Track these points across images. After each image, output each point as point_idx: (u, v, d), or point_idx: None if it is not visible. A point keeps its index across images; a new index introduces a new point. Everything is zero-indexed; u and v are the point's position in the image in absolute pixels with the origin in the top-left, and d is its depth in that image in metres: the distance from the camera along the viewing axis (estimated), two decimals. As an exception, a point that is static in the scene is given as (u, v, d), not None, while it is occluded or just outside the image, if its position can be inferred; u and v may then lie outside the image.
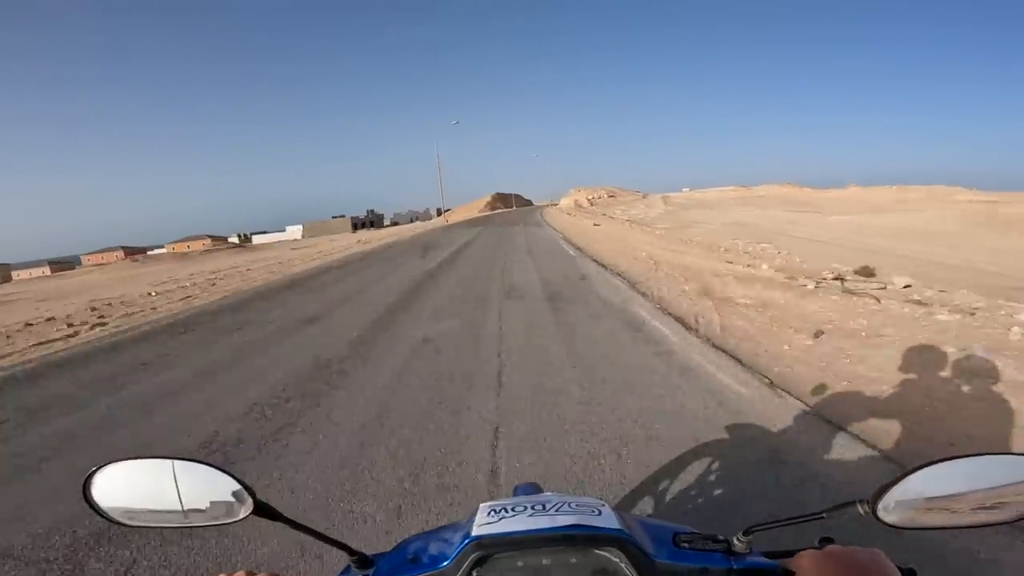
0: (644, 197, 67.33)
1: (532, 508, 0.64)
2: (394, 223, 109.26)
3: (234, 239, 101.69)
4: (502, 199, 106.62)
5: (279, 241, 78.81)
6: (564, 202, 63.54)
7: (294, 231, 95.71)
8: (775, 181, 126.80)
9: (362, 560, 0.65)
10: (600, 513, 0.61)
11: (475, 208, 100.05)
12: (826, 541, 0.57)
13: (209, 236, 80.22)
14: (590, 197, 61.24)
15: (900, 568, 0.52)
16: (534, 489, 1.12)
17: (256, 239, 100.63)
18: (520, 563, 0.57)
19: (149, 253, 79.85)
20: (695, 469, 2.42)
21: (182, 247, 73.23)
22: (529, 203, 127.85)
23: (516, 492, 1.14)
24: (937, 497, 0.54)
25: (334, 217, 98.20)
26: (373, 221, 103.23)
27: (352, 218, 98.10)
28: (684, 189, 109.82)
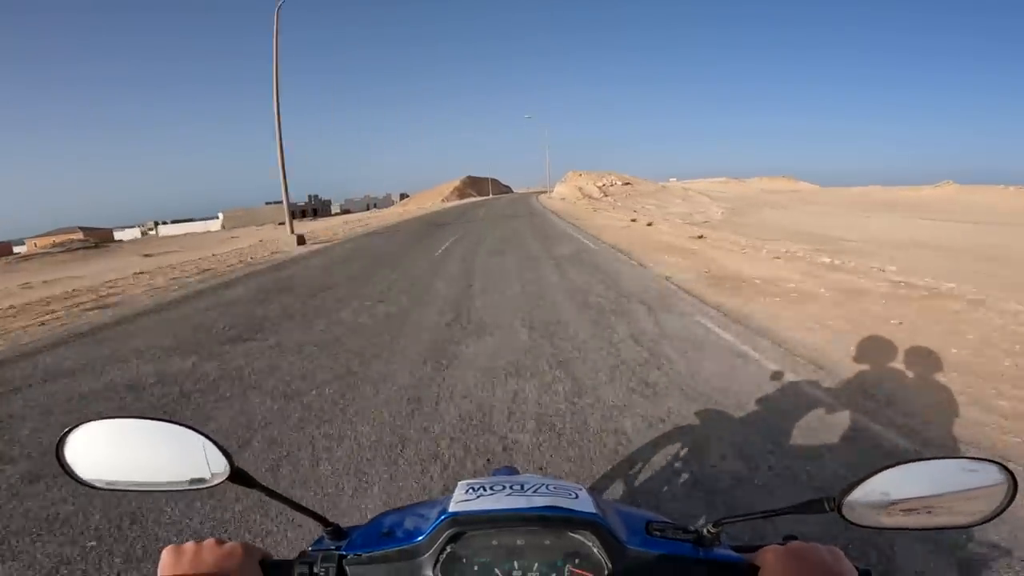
0: (663, 187, 54.60)
1: (510, 488, 0.63)
2: (345, 211, 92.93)
3: (132, 231, 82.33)
4: (474, 184, 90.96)
5: (187, 234, 62.23)
6: (561, 189, 48.83)
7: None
8: (767, 174, 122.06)
9: (336, 531, 0.64)
10: (577, 497, 0.61)
11: (439, 194, 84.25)
12: (790, 538, 0.58)
13: (81, 228, 61.04)
14: (600, 184, 47.12)
15: (857, 568, 0.53)
16: (511, 472, 1.11)
17: (168, 229, 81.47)
18: (495, 542, 0.57)
19: (16, 250, 60.19)
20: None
21: (46, 242, 54.71)
22: (508, 190, 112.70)
23: (494, 474, 1.11)
24: (904, 498, 0.54)
25: (268, 204, 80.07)
26: (316, 209, 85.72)
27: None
28: (671, 179, 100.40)
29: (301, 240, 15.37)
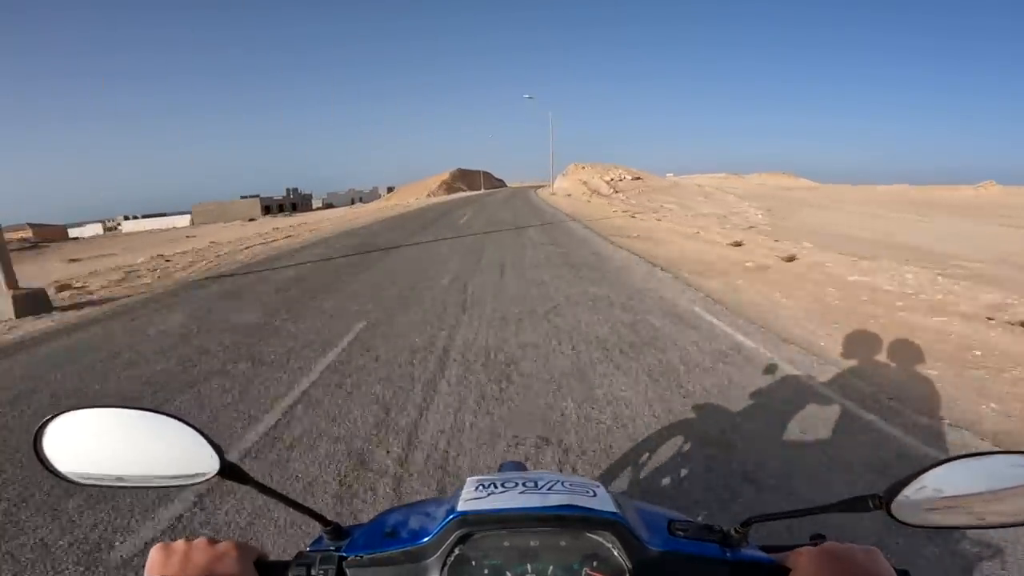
0: (676, 183, 51.29)
1: (524, 485, 0.60)
2: (328, 205, 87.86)
3: (95, 227, 76.24)
4: (464, 177, 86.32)
5: (150, 231, 57.04)
6: (563, 184, 44.88)
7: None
8: (764, 170, 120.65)
9: (336, 530, 0.61)
10: (595, 495, 0.59)
11: (425, 188, 79.51)
12: (818, 538, 0.55)
13: (30, 225, 55.62)
14: (608, 178, 43.35)
15: (895, 568, 0.51)
16: (518, 467, 1.06)
17: (132, 225, 75.55)
18: (507, 543, 0.54)
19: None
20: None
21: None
22: (501, 184, 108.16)
23: (502, 469, 1.06)
24: (955, 496, 0.51)
25: (243, 197, 74.66)
26: (296, 204, 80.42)
27: (263, 200, 75.03)
28: (668, 174, 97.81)
29: (39, 304, 6.30)
